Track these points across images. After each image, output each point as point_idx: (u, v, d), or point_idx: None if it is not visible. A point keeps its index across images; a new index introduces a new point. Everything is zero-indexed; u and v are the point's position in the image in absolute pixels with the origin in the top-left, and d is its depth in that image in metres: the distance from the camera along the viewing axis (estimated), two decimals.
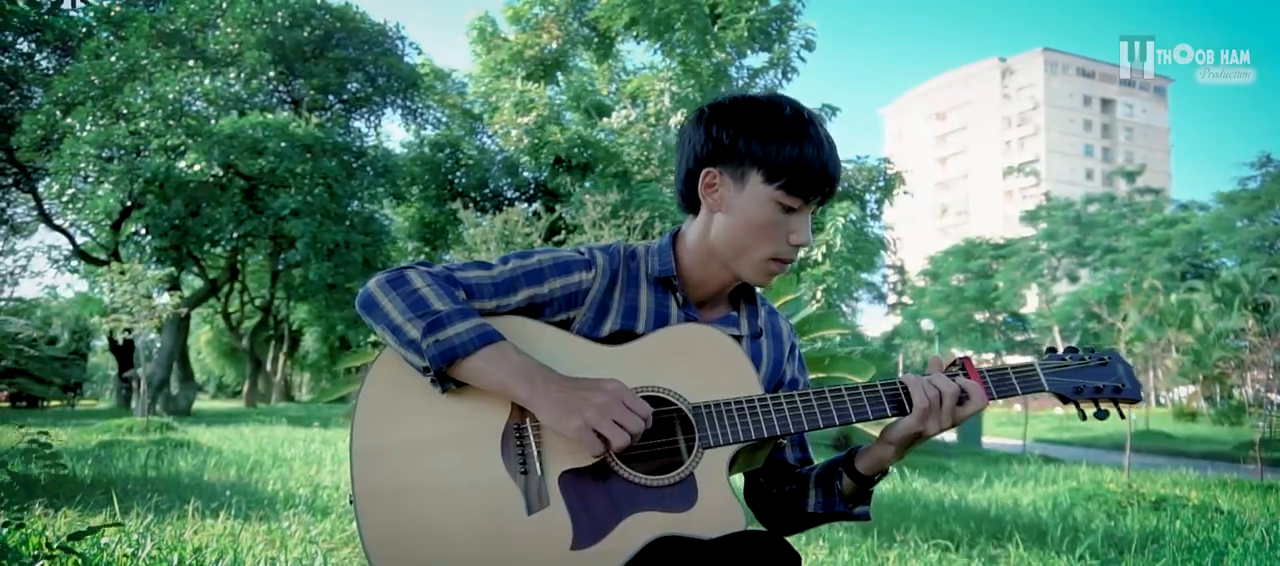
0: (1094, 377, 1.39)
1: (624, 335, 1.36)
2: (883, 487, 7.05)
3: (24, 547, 2.44)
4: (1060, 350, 1.42)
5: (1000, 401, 1.46)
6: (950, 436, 18.15)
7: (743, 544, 1.20)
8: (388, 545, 1.21)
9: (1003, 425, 26.89)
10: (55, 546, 2.40)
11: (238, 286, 29.35)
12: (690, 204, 1.41)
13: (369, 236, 20.45)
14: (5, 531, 2.32)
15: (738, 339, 1.42)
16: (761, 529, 1.27)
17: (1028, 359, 1.39)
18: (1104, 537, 4.79)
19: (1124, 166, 70.58)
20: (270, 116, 19.06)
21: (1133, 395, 1.39)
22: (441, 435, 1.26)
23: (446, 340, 1.22)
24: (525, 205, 17.77)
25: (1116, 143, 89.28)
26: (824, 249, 16.39)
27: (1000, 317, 55.12)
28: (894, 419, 1.34)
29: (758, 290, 1.50)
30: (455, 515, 1.22)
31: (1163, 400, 37.31)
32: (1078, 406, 1.38)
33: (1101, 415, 1.36)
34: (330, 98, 22.62)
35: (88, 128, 18.01)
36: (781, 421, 1.31)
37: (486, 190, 22.09)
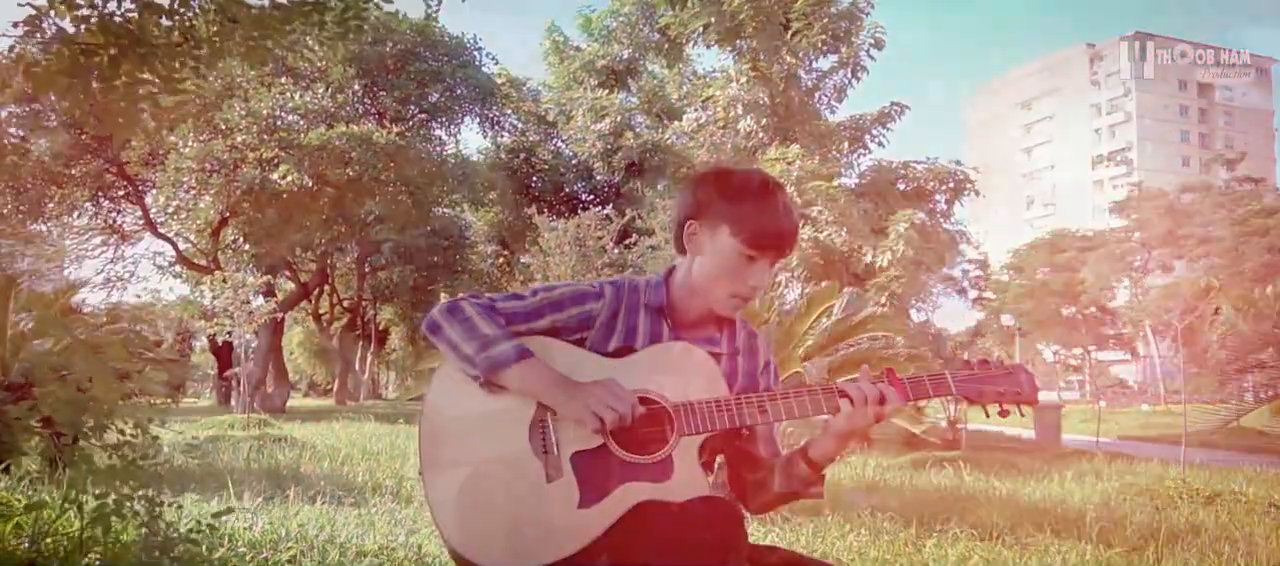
0: (997, 384, 1.72)
1: (625, 350, 1.75)
2: (935, 481, 7.27)
3: (180, 526, 2.96)
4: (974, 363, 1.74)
5: (920, 401, 1.79)
6: (1028, 433, 18.03)
7: (702, 504, 1.60)
8: (448, 506, 1.65)
9: (1087, 422, 26.35)
10: (205, 524, 2.92)
11: (327, 289, 30.67)
12: (680, 248, 1.79)
13: (449, 240, 21.28)
14: (166, 510, 2.83)
15: (718, 356, 1.79)
16: (718, 496, 1.65)
17: (943, 370, 1.72)
18: (1140, 530, 4.96)
19: (1222, 153, 67.50)
20: (355, 128, 20.01)
21: (1029, 399, 1.72)
22: (485, 425, 1.68)
23: (492, 356, 1.65)
24: (599, 208, 18.28)
25: (1215, 128, 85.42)
26: (888, 255, 16.40)
27: (1088, 311, 53.47)
28: (830, 416, 1.69)
29: (738, 315, 1.86)
30: (495, 482, 1.65)
31: (1263, 395, 35.77)
32: (982, 406, 1.71)
33: (1005, 413, 1.71)
34: (412, 108, 23.56)
35: (190, 143, 19.24)
36: (741, 416, 1.68)
37: (562, 194, 22.72)
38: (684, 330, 1.80)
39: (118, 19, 2.81)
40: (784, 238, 1.72)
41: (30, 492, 4.23)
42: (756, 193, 1.71)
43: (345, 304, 33.02)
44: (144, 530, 2.57)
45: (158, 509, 2.61)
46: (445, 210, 22.29)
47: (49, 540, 2.90)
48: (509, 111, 24.98)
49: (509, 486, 1.63)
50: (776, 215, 1.70)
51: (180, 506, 3.37)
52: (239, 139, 19.21)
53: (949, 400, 9.58)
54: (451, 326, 1.69)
